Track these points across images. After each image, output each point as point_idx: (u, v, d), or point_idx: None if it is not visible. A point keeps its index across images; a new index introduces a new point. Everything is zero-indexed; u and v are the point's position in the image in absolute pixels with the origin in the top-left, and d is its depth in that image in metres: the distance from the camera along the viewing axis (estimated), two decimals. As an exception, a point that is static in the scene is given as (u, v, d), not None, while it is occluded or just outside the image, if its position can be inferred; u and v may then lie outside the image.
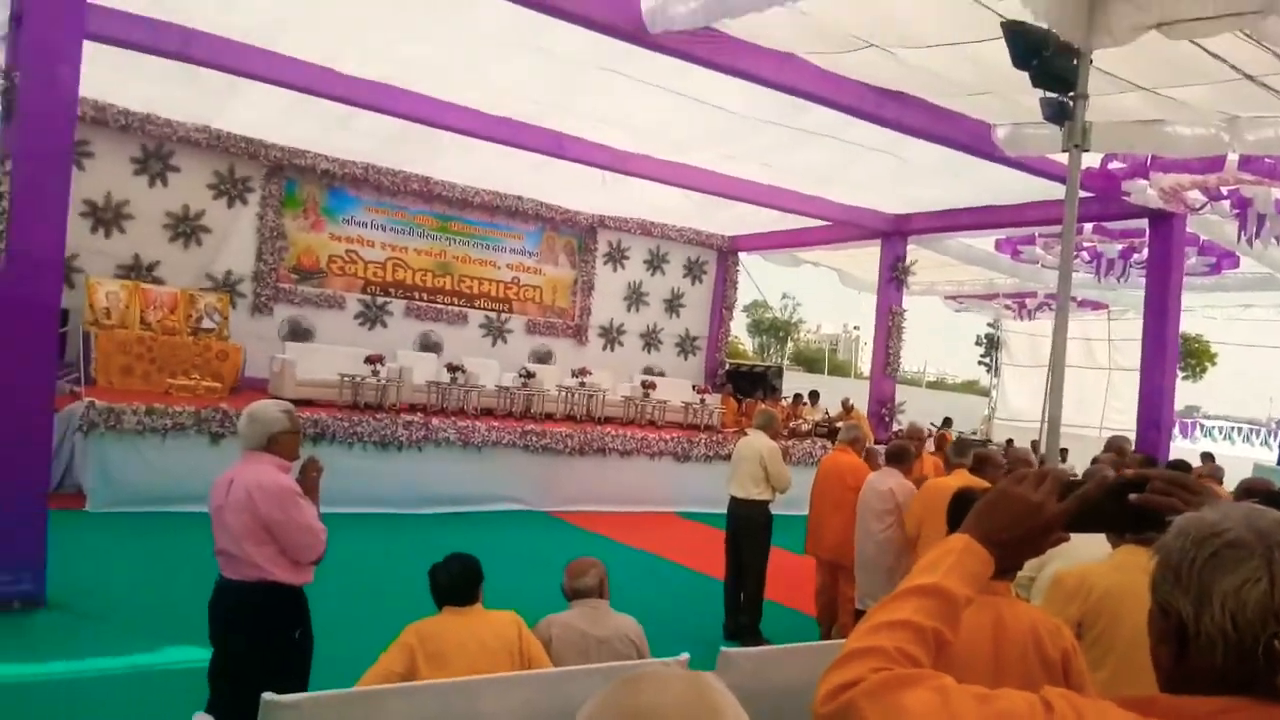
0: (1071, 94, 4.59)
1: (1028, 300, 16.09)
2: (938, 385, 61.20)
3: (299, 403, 9.83)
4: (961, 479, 5.00)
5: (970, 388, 52.25)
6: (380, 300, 13.16)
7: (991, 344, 23.26)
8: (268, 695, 2.46)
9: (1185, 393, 19.46)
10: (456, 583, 3.26)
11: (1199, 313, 15.23)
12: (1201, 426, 24.51)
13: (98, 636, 5.17)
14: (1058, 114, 4.69)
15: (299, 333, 12.37)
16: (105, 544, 7.19)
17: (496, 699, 2.69)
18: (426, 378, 11.40)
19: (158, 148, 11.39)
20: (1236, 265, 11.42)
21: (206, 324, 11.27)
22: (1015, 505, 1.21)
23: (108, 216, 11.16)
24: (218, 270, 11.91)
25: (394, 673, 3.03)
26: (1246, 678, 0.97)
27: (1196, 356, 30.05)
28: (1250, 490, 3.53)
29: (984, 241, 12.90)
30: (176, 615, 5.28)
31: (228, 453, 8.27)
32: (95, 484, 8.20)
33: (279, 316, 12.32)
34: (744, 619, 6.30)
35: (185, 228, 11.68)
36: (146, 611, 5.59)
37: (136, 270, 11.32)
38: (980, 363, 33.20)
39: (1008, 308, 16.97)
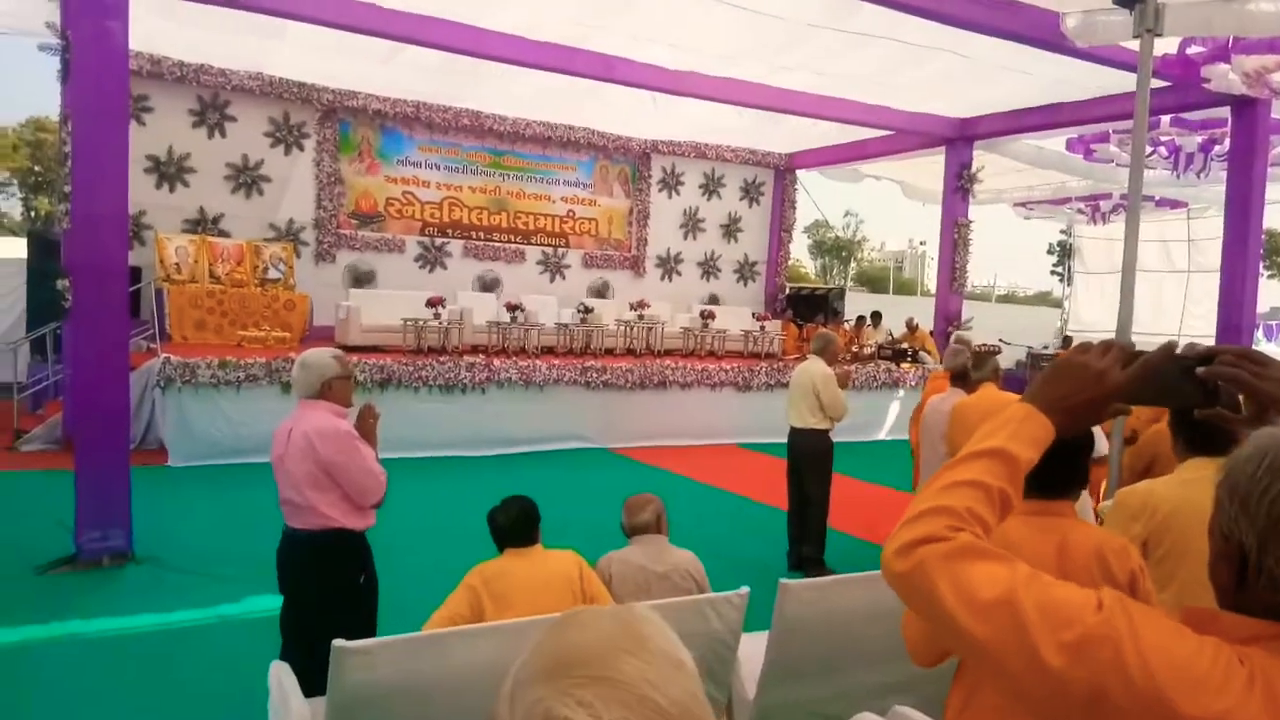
0: (1143, -24, 4.27)
1: (1102, 202, 15.38)
2: (1008, 299, 59.50)
3: (364, 349, 10.04)
4: (991, 395, 4.84)
5: (1043, 299, 50.69)
6: (438, 241, 13.24)
7: (1064, 252, 22.46)
8: (338, 642, 2.53)
9: (1270, 293, 18.51)
10: (515, 525, 3.30)
11: (1288, 206, 14.40)
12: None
13: (182, 588, 5.41)
14: (1128, -3, 4.37)
15: (361, 278, 12.55)
16: (187, 497, 7.49)
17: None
18: (487, 318, 11.49)
19: (214, 98, 11.51)
20: (1328, 153, 10.71)
21: (273, 274, 11.50)
22: (1078, 373, 1.20)
23: (171, 171, 11.37)
24: (280, 219, 12.09)
25: (460, 615, 3.10)
26: None
27: (1282, 253, 28.59)
28: None
29: (1054, 142, 12.30)
30: (256, 564, 5.44)
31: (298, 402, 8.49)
32: (175, 439, 8.52)
33: (341, 263, 12.51)
34: (807, 550, 6.25)
35: (246, 178, 11.85)
36: (227, 562, 5.80)
37: (202, 224, 11.56)
38: (1053, 272, 32.18)
39: (1081, 212, 16.26)
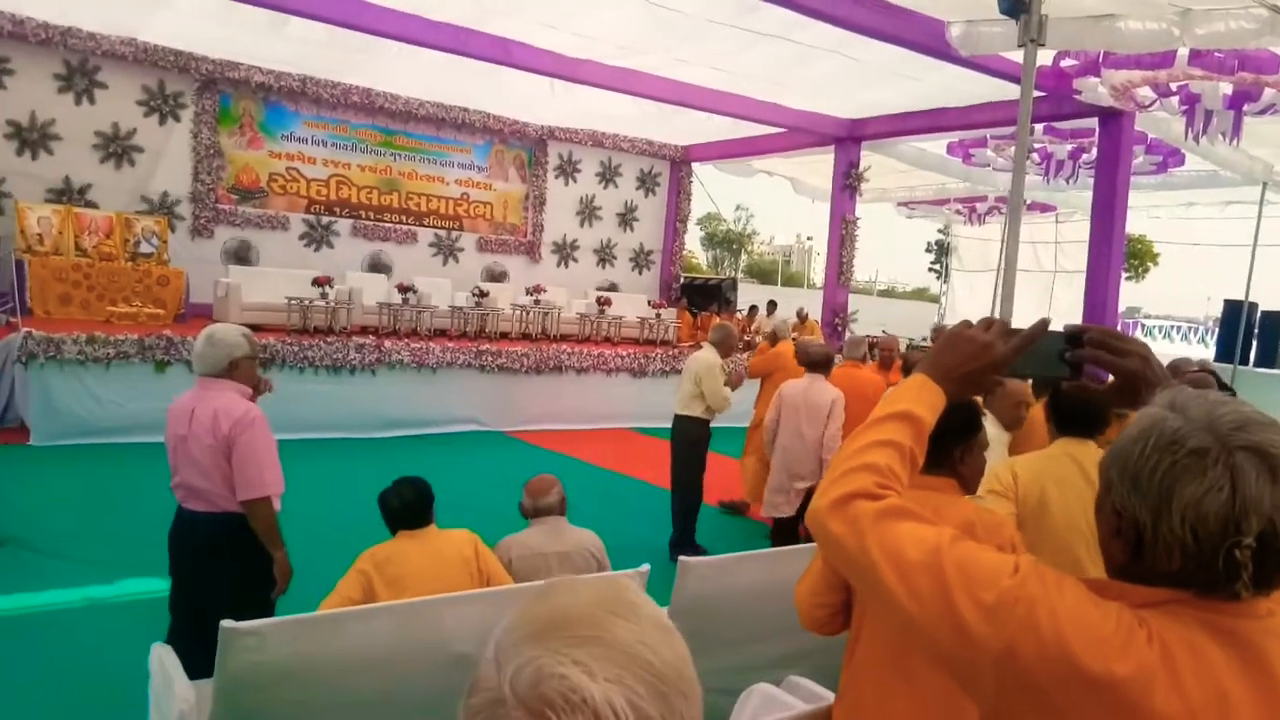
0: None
1: (978, 204, 16.15)
2: (889, 293, 61.80)
3: (246, 328, 9.62)
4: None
5: (921, 295, 52.85)
6: (325, 220, 12.80)
7: (942, 250, 23.47)
8: (227, 623, 2.45)
9: (1128, 293, 19.88)
10: (408, 506, 3.25)
11: (1143, 212, 15.43)
12: (1143, 326, 25.13)
13: (47, 571, 5.09)
14: (1014, 7, 4.61)
15: (242, 256, 12.03)
16: (51, 478, 7.05)
17: (456, 617, 2.71)
18: (377, 299, 11.21)
19: (82, 63, 10.80)
20: (1182, 163, 11.53)
21: (145, 248, 10.90)
22: (966, 345, 1.30)
23: (34, 137, 10.63)
24: (153, 192, 11.46)
25: (352, 600, 3.03)
26: (1203, 580, 0.99)
27: (1140, 257, 30.66)
28: (1176, 370, 3.64)
29: (936, 146, 12.85)
30: (130, 547, 5.23)
31: (174, 381, 8.10)
32: (38, 417, 8.00)
33: (220, 239, 11.95)
34: (673, 535, 6.31)
35: (116, 148, 11.17)
36: (97, 544, 5.51)
37: (68, 194, 10.86)
38: (930, 269, 33.59)
39: (958, 213, 17.03)
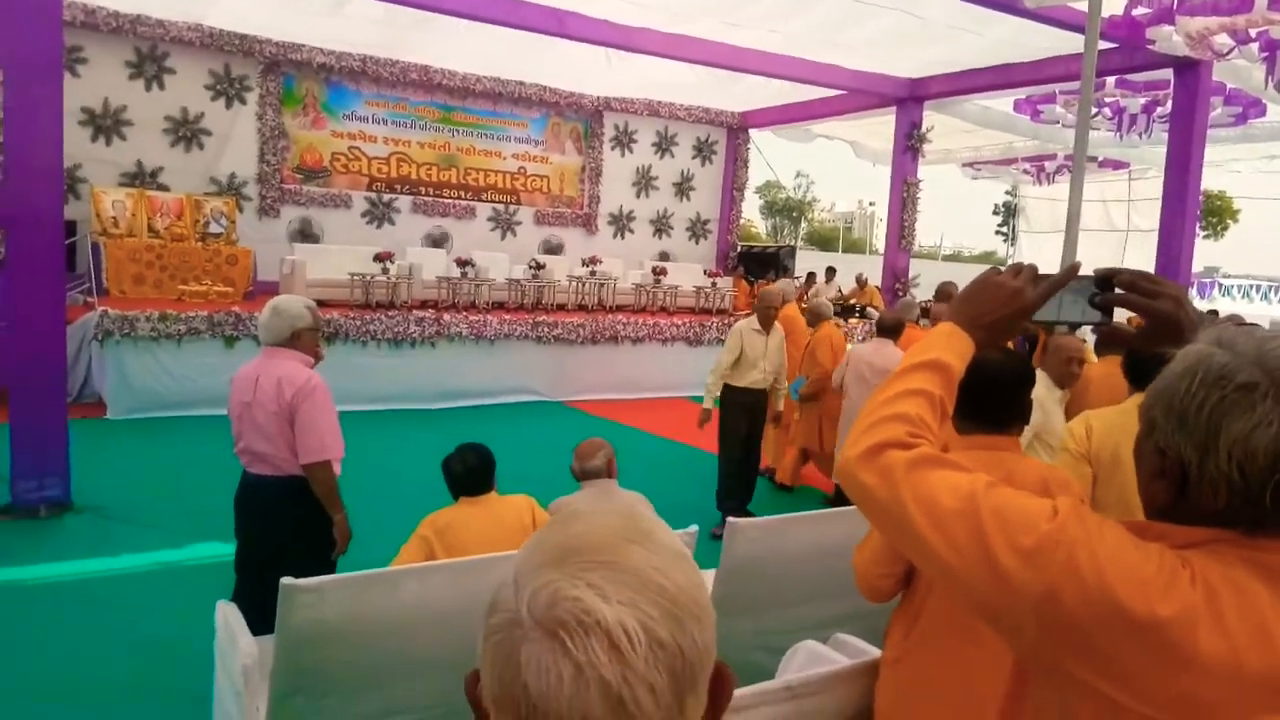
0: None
1: (1047, 163, 15.64)
2: (954, 258, 60.42)
3: (311, 303, 9.87)
4: None
5: (988, 258, 51.57)
6: (386, 197, 13.01)
7: (1009, 212, 22.85)
8: (287, 580, 2.53)
9: (1205, 252, 19.14)
10: (472, 471, 3.28)
11: (1222, 167, 14.77)
12: (1220, 286, 24.02)
13: (124, 536, 5.36)
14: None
15: (307, 234, 12.31)
16: (127, 449, 7.37)
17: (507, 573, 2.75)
18: (436, 274, 11.37)
19: (151, 49, 11.12)
20: (1263, 114, 10.99)
21: (214, 229, 11.22)
22: (994, 292, 1.28)
23: (107, 124, 10.99)
24: (221, 173, 11.77)
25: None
26: (1249, 518, 0.96)
27: (1218, 214, 29.36)
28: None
29: (1002, 103, 12.44)
30: (197, 513, 5.46)
31: (242, 356, 8.35)
32: (114, 392, 8.35)
33: (286, 218, 12.24)
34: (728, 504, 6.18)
35: (185, 131, 11.49)
36: (169, 511, 5.76)
37: (140, 177, 11.22)
38: (997, 232, 32.73)
39: (1026, 172, 16.52)
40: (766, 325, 6.25)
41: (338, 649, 2.61)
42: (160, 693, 3.63)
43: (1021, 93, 11.69)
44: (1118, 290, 1.25)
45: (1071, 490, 2.22)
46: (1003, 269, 1.31)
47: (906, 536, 1.09)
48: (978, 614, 1.05)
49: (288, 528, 3.49)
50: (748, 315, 10.71)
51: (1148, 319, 1.25)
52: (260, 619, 2.89)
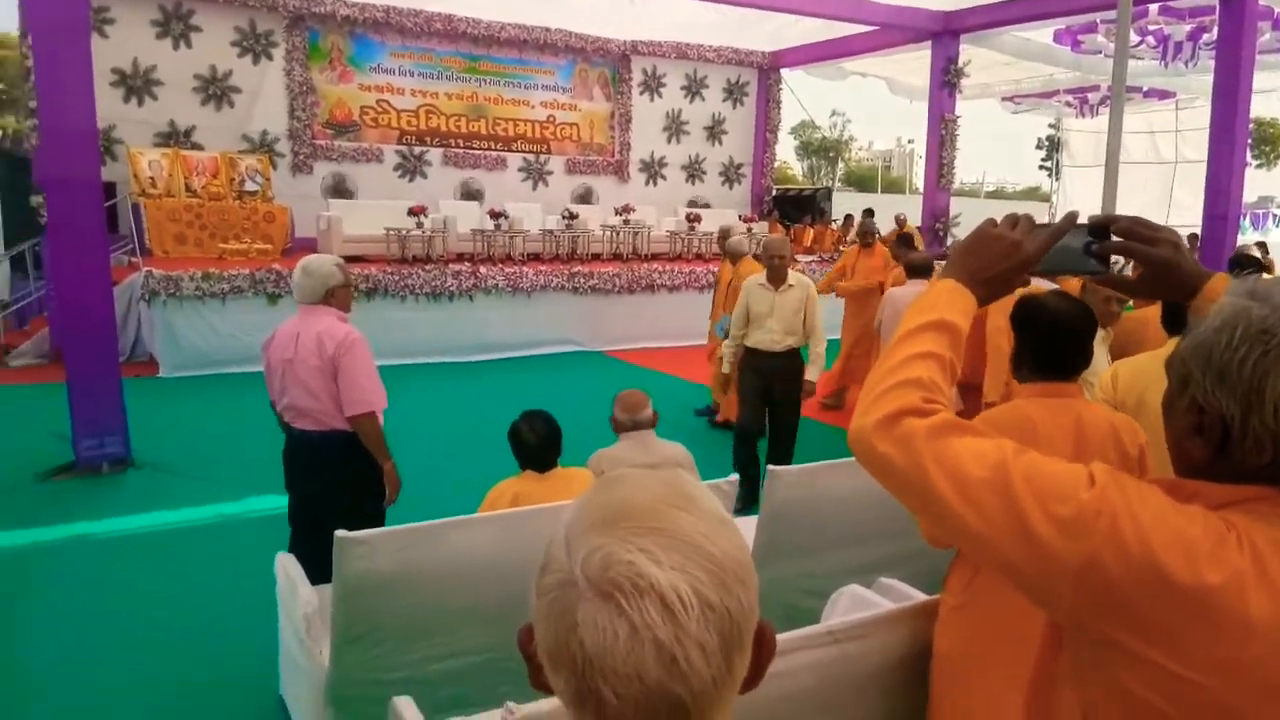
0: None
1: (1089, 95, 15.20)
2: (997, 194, 59.09)
3: (348, 259, 9.94)
4: None
5: (1032, 194, 50.40)
6: (417, 150, 13.01)
7: (1052, 146, 22.26)
8: (340, 533, 2.61)
9: (1257, 182, 18.49)
10: (544, 445, 3.18)
11: (1274, 95, 14.24)
12: (1275, 216, 23.32)
13: (182, 491, 5.54)
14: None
15: (341, 189, 12.37)
16: (180, 406, 7.58)
17: (551, 525, 2.81)
18: (470, 226, 11.38)
19: (176, 7, 11.14)
20: (1317, 39, 10.58)
21: (250, 186, 11.32)
22: (995, 245, 1.23)
23: (138, 84, 11.07)
24: (253, 131, 11.84)
25: None
26: None
27: (1271, 143, 28.37)
28: (1237, 261, 3.45)
29: (1042, 34, 12.08)
30: (252, 466, 5.62)
31: (284, 312, 8.45)
32: (164, 350, 8.55)
33: (319, 174, 12.31)
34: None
35: (215, 89, 11.55)
36: (224, 465, 5.95)
37: (174, 137, 11.33)
38: (1041, 167, 31.93)
39: (1069, 105, 16.08)
40: (775, 280, 5.51)
41: (392, 598, 2.70)
42: (226, 639, 3.79)
43: (1061, 23, 11.34)
44: (1114, 238, 1.22)
45: (1140, 436, 2.21)
46: (998, 221, 1.26)
47: (931, 506, 1.06)
48: (1010, 581, 1.03)
49: (335, 481, 3.58)
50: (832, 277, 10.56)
51: (1146, 266, 1.23)
52: (316, 569, 3.00)
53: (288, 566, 3.09)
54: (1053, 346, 2.15)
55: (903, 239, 7.94)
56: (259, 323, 8.58)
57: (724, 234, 8.29)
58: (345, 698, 2.70)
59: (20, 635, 3.80)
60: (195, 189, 10.90)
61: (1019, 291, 1.76)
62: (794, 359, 5.51)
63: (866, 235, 8.40)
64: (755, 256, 7.17)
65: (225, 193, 11.02)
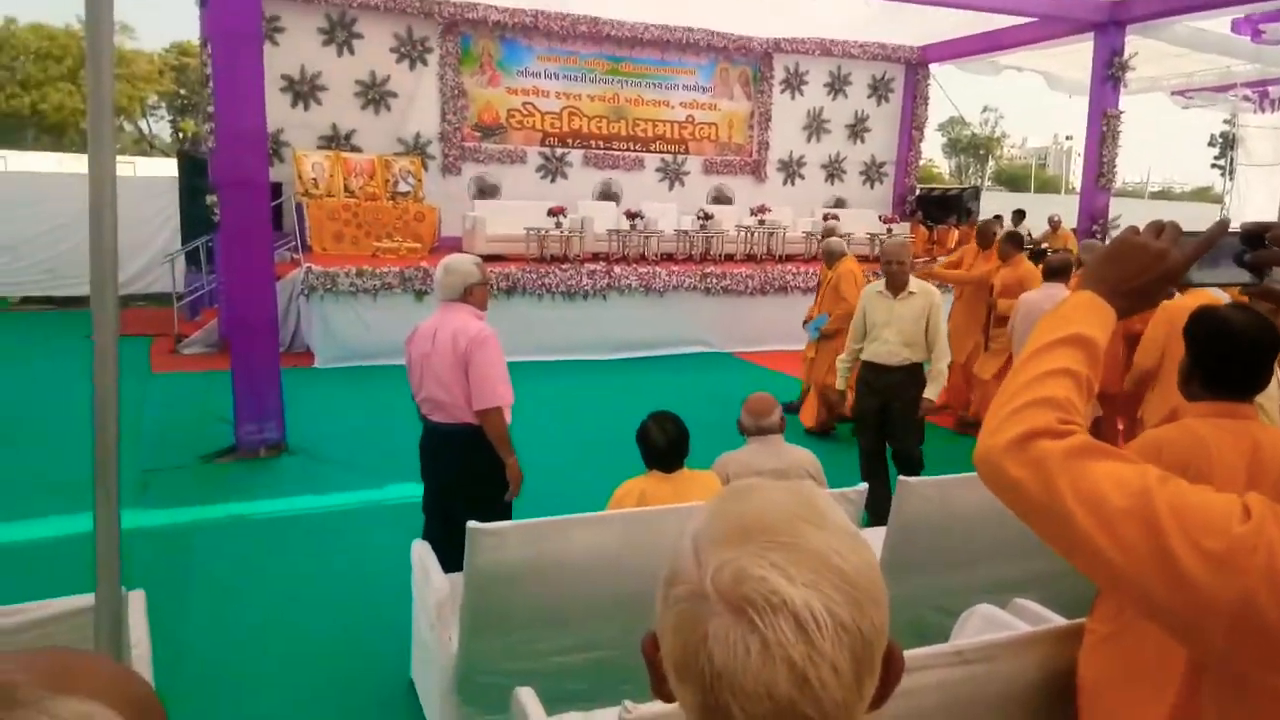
0: None
1: (1270, 88, 14.02)
2: (1162, 195, 55.24)
3: (490, 258, 10.31)
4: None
5: (1202, 195, 46.86)
6: (559, 152, 13.31)
7: (1226, 143, 20.66)
8: (473, 524, 2.71)
9: None
10: (672, 444, 3.20)
11: None
12: None
13: (332, 476, 5.90)
14: None
15: (486, 190, 12.81)
16: (332, 395, 8.05)
17: (676, 526, 2.83)
18: (607, 226, 11.57)
19: (341, 16, 11.78)
20: None
21: (403, 187, 11.87)
22: (1139, 255, 1.14)
23: (304, 89, 11.78)
24: (407, 134, 12.40)
25: None
26: None
27: None
28: None
29: (1218, 23, 11.21)
30: (394, 456, 5.87)
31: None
32: (320, 343, 9.09)
33: (467, 175, 12.77)
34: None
35: (374, 94, 12.16)
36: (370, 453, 6.29)
37: (335, 140, 11.99)
38: (1214, 165, 29.69)
39: (1246, 99, 14.88)
40: (894, 287, 5.16)
41: (519, 589, 2.78)
42: (364, 620, 4.00)
43: (1240, 11, 10.47)
44: (1269, 246, 1.12)
45: None
46: (1141, 229, 1.17)
47: (1065, 535, 1.00)
48: (1152, 619, 0.97)
49: (462, 472, 3.73)
50: (926, 263, 10.24)
51: None
52: (447, 556, 3.12)
53: (422, 554, 3.23)
54: (1235, 365, 2.00)
55: (1010, 237, 7.52)
56: (406, 318, 8.97)
57: (825, 233, 8.24)
58: (471, 684, 2.80)
59: (181, 604, 4.11)
60: (353, 190, 11.52)
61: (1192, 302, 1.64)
62: (913, 374, 5.09)
63: (986, 236, 7.93)
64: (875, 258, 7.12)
65: (380, 193, 11.60)
